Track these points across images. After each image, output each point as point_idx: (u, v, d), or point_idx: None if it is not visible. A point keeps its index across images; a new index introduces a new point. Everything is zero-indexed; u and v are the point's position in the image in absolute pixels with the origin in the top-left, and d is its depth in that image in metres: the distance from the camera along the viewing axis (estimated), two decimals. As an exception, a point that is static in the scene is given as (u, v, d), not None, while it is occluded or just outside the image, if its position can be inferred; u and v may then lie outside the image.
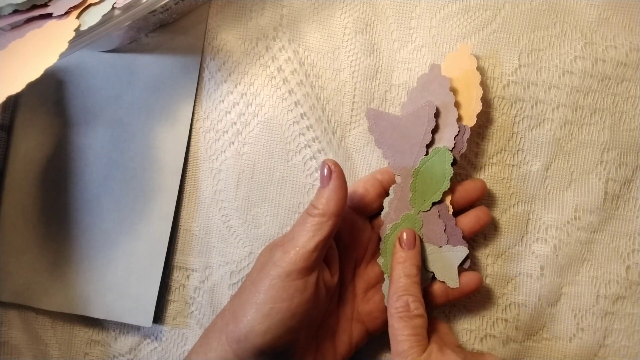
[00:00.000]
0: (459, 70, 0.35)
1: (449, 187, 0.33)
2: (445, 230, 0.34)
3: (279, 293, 0.30)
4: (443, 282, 0.34)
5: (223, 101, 0.39)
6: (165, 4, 0.33)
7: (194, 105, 0.39)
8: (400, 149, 0.35)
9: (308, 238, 0.30)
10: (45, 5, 0.32)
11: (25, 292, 0.38)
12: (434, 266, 0.34)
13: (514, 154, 0.37)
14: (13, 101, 0.39)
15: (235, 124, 0.39)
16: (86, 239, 0.38)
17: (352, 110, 0.38)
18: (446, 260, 0.33)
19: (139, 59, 0.39)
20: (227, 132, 0.39)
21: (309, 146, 0.38)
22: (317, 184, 0.38)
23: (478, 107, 0.34)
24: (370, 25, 0.38)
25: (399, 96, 0.38)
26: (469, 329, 0.37)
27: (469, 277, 0.34)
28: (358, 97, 0.38)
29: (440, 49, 0.38)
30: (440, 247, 0.34)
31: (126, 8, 0.32)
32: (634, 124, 0.37)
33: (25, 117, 0.39)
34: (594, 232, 0.37)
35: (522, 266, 0.37)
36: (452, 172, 0.33)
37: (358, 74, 0.38)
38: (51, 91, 0.39)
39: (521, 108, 0.37)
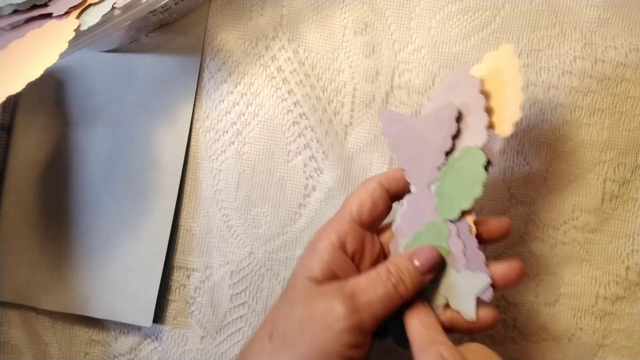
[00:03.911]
0: (496, 72, 0.30)
1: (481, 193, 0.28)
2: (464, 252, 0.28)
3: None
4: (457, 312, 0.28)
5: (223, 101, 0.39)
6: (165, 4, 0.33)
7: (194, 105, 0.39)
8: (417, 155, 0.30)
9: (379, 309, 0.26)
10: (45, 5, 0.32)
11: (25, 292, 0.38)
12: (448, 292, 0.28)
13: (513, 154, 0.37)
14: (13, 101, 0.39)
15: (235, 124, 0.39)
16: (86, 239, 0.38)
17: (352, 111, 0.38)
18: (463, 287, 0.28)
19: (139, 59, 0.39)
20: (227, 132, 0.39)
21: (309, 146, 0.38)
22: (317, 184, 0.38)
23: (516, 114, 0.28)
24: (370, 26, 0.38)
25: (399, 97, 0.38)
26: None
27: (485, 312, 0.28)
28: (358, 97, 0.38)
29: (440, 49, 0.38)
30: (458, 270, 0.28)
31: (126, 8, 0.32)
32: (633, 124, 0.37)
33: (25, 117, 0.39)
34: (592, 232, 0.37)
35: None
36: (486, 176, 0.28)
37: (358, 74, 0.38)
38: (51, 91, 0.39)
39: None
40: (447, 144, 0.29)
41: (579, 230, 0.37)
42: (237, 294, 0.38)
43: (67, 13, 0.32)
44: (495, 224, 0.29)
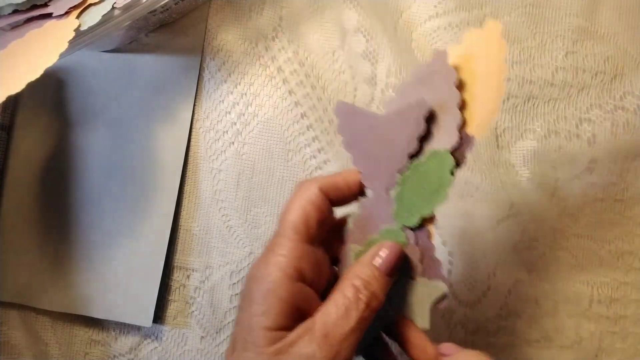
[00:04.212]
0: (476, 56, 0.26)
1: (445, 199, 0.25)
2: (421, 259, 0.26)
3: None
4: (409, 320, 0.26)
5: (223, 101, 0.39)
6: (165, 4, 0.33)
7: (194, 105, 0.39)
8: (376, 156, 0.27)
9: (357, 339, 0.23)
10: (45, 5, 0.32)
11: (25, 292, 0.38)
12: (401, 300, 0.26)
13: (508, 167, 0.37)
14: (13, 101, 0.39)
15: (235, 124, 0.39)
16: (86, 239, 0.38)
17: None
18: (418, 295, 0.26)
19: (139, 59, 0.39)
20: (227, 132, 0.39)
21: (309, 146, 0.38)
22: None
23: (495, 111, 0.25)
24: (370, 26, 0.38)
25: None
26: (470, 340, 0.37)
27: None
28: (359, 97, 0.38)
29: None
30: (413, 278, 0.26)
31: (126, 8, 0.32)
32: (614, 130, 0.37)
33: (25, 117, 0.39)
34: (585, 236, 0.37)
35: (519, 274, 0.37)
36: (453, 181, 0.25)
37: (358, 74, 0.38)
38: (51, 91, 0.39)
39: (501, 119, 0.37)
40: (412, 146, 0.26)
41: (574, 235, 0.37)
42: (237, 294, 0.38)
43: (67, 13, 0.32)
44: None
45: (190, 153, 0.39)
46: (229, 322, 0.38)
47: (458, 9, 0.38)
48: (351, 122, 0.28)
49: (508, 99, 0.37)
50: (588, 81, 0.37)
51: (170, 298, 0.39)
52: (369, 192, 0.27)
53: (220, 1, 0.39)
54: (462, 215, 0.37)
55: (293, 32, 0.38)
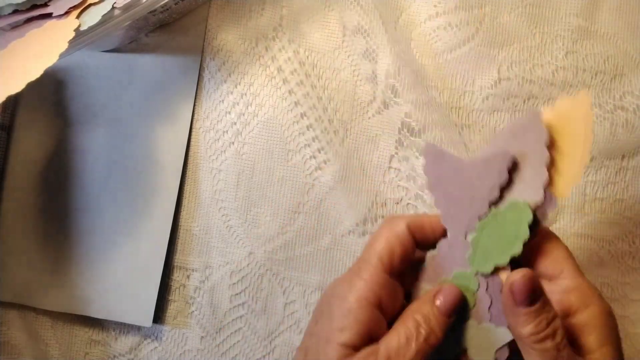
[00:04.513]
0: (566, 121, 0.27)
1: (520, 252, 0.26)
2: (489, 308, 0.27)
3: None
4: None
5: (223, 101, 0.39)
6: (165, 4, 0.33)
7: (194, 105, 0.39)
8: (458, 199, 0.28)
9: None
10: (45, 5, 0.32)
11: (25, 292, 0.38)
12: (468, 342, 0.27)
13: None
14: (13, 101, 0.39)
15: (235, 124, 0.39)
16: (86, 239, 0.38)
17: (352, 108, 0.38)
18: (484, 340, 0.27)
19: (139, 59, 0.39)
20: (227, 132, 0.39)
21: (309, 146, 0.38)
22: (317, 183, 0.38)
23: (578, 176, 0.26)
24: (370, 25, 0.38)
25: (400, 96, 0.38)
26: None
27: None
28: (359, 96, 0.38)
29: (440, 47, 0.38)
30: (480, 323, 0.27)
31: (126, 8, 0.32)
32: (613, 128, 0.37)
33: (25, 117, 0.39)
34: (585, 236, 0.37)
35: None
36: (529, 235, 0.26)
37: (359, 73, 0.38)
38: (51, 91, 0.39)
39: (499, 118, 0.37)
40: (494, 194, 0.27)
41: (572, 232, 0.37)
42: (237, 294, 0.38)
43: (67, 13, 0.32)
44: None
45: (190, 153, 0.39)
46: (229, 322, 0.38)
47: (458, 9, 0.38)
48: (437, 164, 0.29)
49: (508, 98, 0.37)
50: (588, 81, 0.37)
51: (170, 298, 0.39)
52: (448, 233, 0.28)
53: (220, 1, 0.39)
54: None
55: (294, 31, 0.38)
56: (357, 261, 0.27)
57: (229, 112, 0.39)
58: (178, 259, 0.39)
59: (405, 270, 0.28)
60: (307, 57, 0.38)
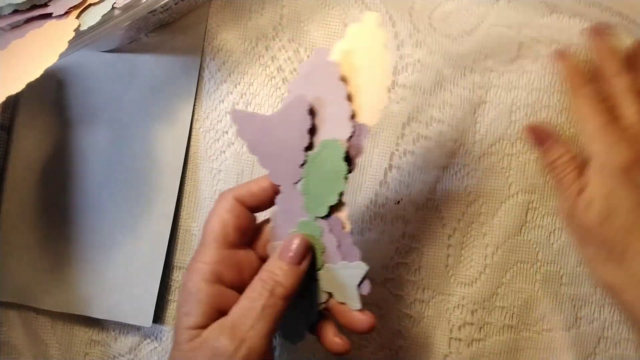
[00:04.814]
0: (360, 49, 0.27)
1: (345, 187, 0.27)
2: (339, 247, 0.28)
3: None
4: (342, 304, 0.28)
5: (223, 101, 0.39)
6: (165, 4, 0.33)
7: (194, 105, 0.39)
8: (277, 154, 0.29)
9: (264, 326, 0.25)
10: (45, 5, 0.32)
11: (25, 292, 0.38)
12: (329, 285, 0.28)
13: (513, 142, 0.37)
14: (13, 101, 0.39)
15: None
16: (86, 239, 0.38)
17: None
18: (344, 279, 0.28)
19: (139, 59, 0.39)
20: (227, 132, 0.39)
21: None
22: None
23: (383, 99, 0.27)
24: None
25: (401, 93, 0.38)
26: (470, 322, 0.37)
27: (362, 316, 0.27)
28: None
29: (441, 45, 0.38)
30: (335, 264, 0.28)
31: (126, 8, 0.32)
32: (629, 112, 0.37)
33: (25, 117, 0.39)
34: None
35: (521, 255, 0.37)
36: (347, 169, 0.27)
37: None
38: (51, 91, 0.39)
39: (516, 96, 0.37)
40: (305, 141, 0.28)
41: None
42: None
43: (67, 13, 0.32)
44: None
45: (190, 153, 0.39)
46: (229, 322, 0.38)
47: (461, 8, 0.38)
48: (248, 126, 0.29)
49: (524, 74, 0.37)
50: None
51: (170, 298, 0.39)
52: (281, 189, 0.29)
53: (220, 1, 0.39)
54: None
55: (294, 30, 0.38)
56: (197, 246, 0.29)
57: (229, 112, 0.39)
58: (178, 259, 0.39)
59: (252, 236, 0.30)
60: (308, 56, 0.38)
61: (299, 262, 0.27)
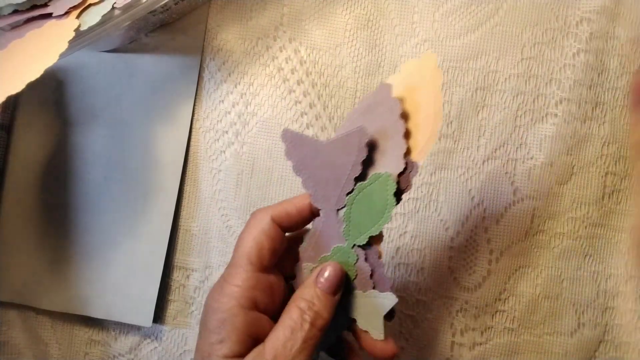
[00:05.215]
0: (415, 88, 0.28)
1: (389, 220, 0.28)
2: (372, 276, 0.28)
3: None
4: (365, 331, 0.28)
5: (223, 101, 0.39)
6: (165, 4, 0.34)
7: (194, 105, 0.39)
8: (324, 179, 0.29)
9: (305, 359, 0.25)
10: (45, 5, 0.32)
11: (25, 292, 0.38)
12: (356, 312, 0.28)
13: (517, 147, 0.37)
14: (13, 101, 0.39)
15: (235, 124, 0.39)
16: (86, 239, 0.38)
17: (354, 105, 0.38)
18: (371, 307, 0.28)
19: (139, 59, 0.39)
20: (227, 132, 0.39)
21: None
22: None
23: (433, 139, 0.27)
24: (372, 21, 0.38)
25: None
26: (472, 326, 0.37)
27: (386, 345, 0.27)
28: (360, 92, 0.38)
29: (443, 43, 0.38)
30: (365, 292, 0.28)
31: (126, 8, 0.32)
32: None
33: (25, 117, 0.39)
34: (595, 226, 0.37)
35: (524, 260, 0.37)
36: (395, 203, 0.28)
37: (360, 69, 0.38)
38: (51, 91, 0.39)
39: (523, 102, 0.37)
40: (357, 170, 0.28)
41: (582, 224, 0.37)
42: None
43: (67, 13, 0.32)
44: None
45: (190, 153, 0.39)
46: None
47: (462, 7, 0.38)
48: (298, 147, 0.29)
49: (530, 79, 0.37)
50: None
51: (170, 298, 0.39)
52: (321, 213, 0.29)
53: (221, 1, 0.39)
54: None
55: (295, 29, 0.38)
56: (228, 266, 0.27)
57: (229, 112, 0.39)
58: (178, 259, 0.39)
59: (282, 257, 0.29)
60: (308, 55, 0.38)
61: (336, 293, 0.27)
